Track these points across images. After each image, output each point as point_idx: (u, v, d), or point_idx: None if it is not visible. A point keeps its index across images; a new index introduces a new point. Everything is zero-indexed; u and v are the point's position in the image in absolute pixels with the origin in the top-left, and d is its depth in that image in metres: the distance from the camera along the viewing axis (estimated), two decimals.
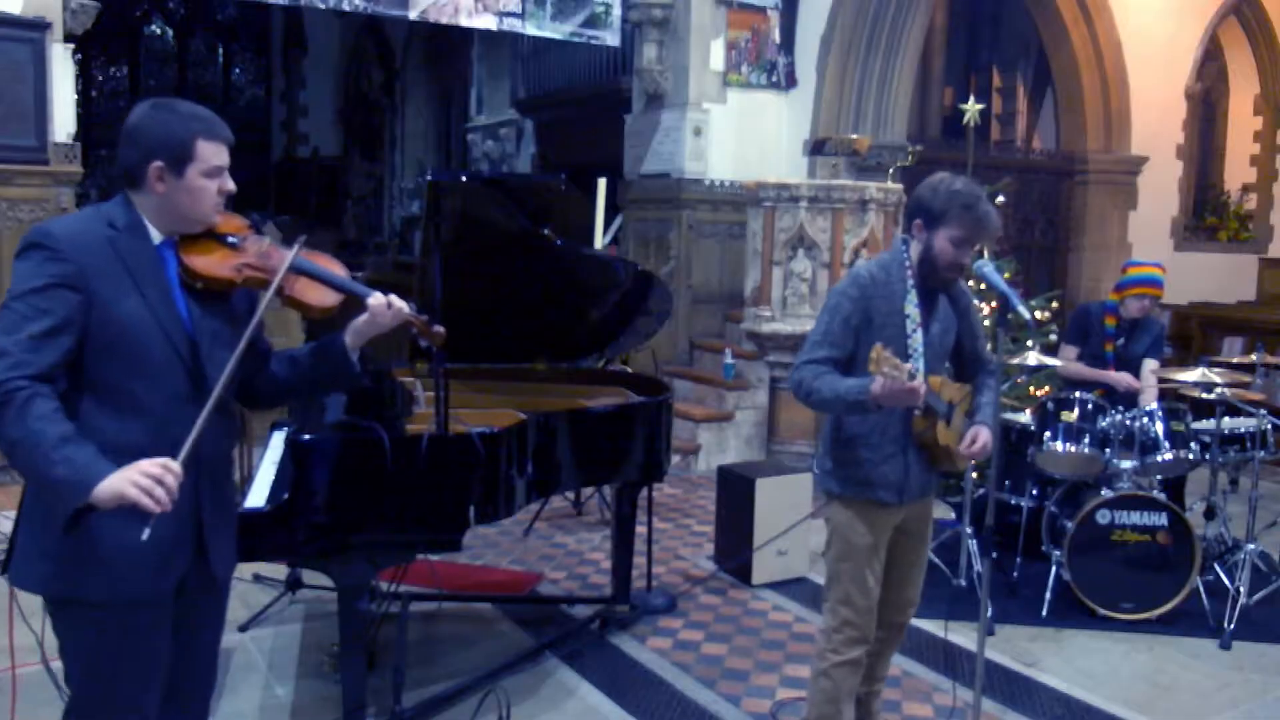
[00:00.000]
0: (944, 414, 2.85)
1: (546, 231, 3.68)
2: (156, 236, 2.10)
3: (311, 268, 2.22)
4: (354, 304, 2.28)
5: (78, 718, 2.15)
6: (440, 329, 2.41)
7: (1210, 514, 4.99)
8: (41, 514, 2.04)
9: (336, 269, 2.27)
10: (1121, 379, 4.97)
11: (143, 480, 1.84)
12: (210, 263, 2.11)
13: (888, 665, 3.21)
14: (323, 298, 2.21)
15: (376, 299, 2.26)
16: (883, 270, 2.84)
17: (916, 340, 2.81)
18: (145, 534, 1.84)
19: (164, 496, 1.85)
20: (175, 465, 1.89)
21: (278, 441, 3.51)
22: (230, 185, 2.13)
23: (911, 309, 2.82)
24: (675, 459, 6.37)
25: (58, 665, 2.19)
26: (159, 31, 16.57)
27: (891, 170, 7.46)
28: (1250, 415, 4.73)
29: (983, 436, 2.83)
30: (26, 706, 3.16)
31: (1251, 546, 4.64)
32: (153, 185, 2.06)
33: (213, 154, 2.08)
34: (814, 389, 2.75)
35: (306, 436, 2.97)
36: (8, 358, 1.88)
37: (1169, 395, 5.17)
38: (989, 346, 3.05)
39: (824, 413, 2.88)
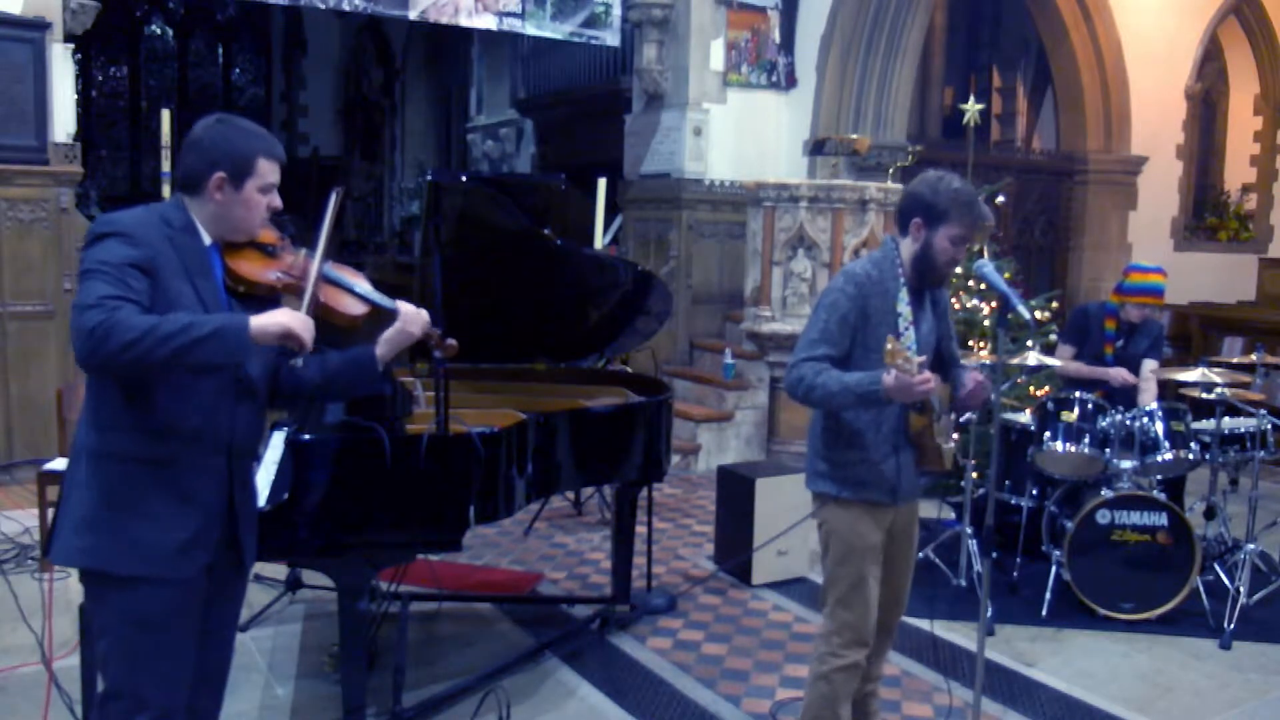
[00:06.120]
0: (940, 412, 2.86)
1: (546, 231, 3.68)
2: (206, 240, 2.23)
3: (340, 279, 2.34)
4: (375, 316, 2.38)
5: (114, 702, 2.18)
6: (453, 342, 2.53)
7: (1210, 514, 4.99)
8: (84, 486, 2.12)
9: (362, 282, 2.38)
10: (1118, 374, 4.98)
11: (302, 318, 2.09)
12: (254, 269, 2.27)
13: (882, 665, 3.21)
14: (351, 307, 2.33)
15: (407, 307, 2.37)
16: (876, 268, 2.85)
17: (909, 338, 2.82)
18: (299, 363, 2.18)
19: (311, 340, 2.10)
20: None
21: (278, 441, 3.51)
22: (278, 202, 2.27)
23: (904, 307, 2.84)
24: (675, 459, 6.37)
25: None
26: (159, 31, 16.52)
27: (891, 170, 7.46)
28: (1250, 415, 4.74)
29: (978, 375, 2.89)
30: (32, 705, 3.16)
31: (1251, 546, 4.64)
32: (211, 194, 2.19)
33: (269, 171, 2.24)
34: (817, 384, 2.75)
35: (306, 436, 2.98)
36: (99, 309, 1.93)
37: (1169, 395, 5.16)
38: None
39: (825, 408, 2.87)
